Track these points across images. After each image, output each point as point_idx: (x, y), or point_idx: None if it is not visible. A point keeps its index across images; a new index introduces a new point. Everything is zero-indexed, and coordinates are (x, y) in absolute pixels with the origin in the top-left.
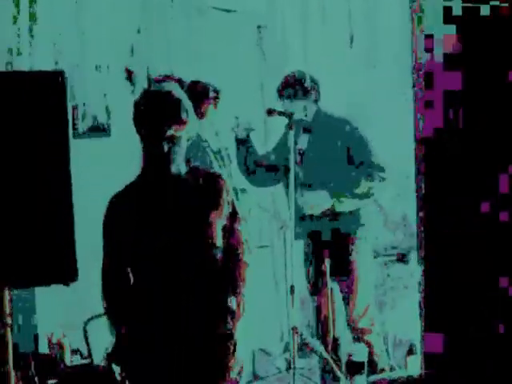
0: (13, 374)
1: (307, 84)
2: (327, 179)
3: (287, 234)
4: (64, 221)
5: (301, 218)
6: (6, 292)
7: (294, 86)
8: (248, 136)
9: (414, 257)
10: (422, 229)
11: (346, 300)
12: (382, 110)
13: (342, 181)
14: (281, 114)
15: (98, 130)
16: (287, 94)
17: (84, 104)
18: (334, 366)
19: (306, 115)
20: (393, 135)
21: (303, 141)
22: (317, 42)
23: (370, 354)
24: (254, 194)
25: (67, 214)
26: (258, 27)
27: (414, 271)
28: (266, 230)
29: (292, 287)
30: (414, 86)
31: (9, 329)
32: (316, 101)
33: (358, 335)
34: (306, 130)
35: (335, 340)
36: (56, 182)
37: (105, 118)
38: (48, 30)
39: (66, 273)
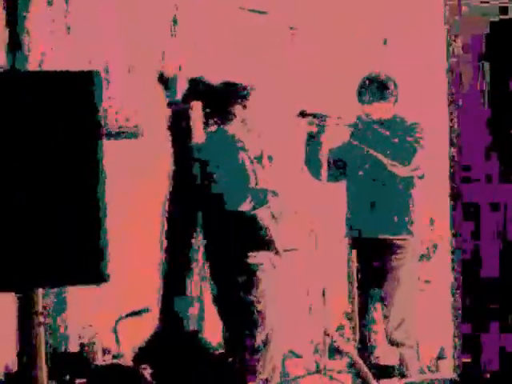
0: (45, 372)
1: (387, 87)
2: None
3: (318, 236)
4: (96, 221)
5: None
6: (40, 291)
7: (374, 89)
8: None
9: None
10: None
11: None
12: (416, 113)
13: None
14: (314, 116)
15: (130, 131)
16: (367, 96)
17: (115, 105)
18: (363, 368)
19: (382, 118)
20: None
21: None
22: (350, 43)
23: (401, 363)
24: (286, 197)
25: (99, 214)
26: (291, 28)
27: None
28: (296, 233)
29: (323, 290)
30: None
31: (42, 327)
32: (394, 102)
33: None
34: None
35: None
36: (87, 182)
37: (136, 119)
38: (82, 29)
39: (98, 273)
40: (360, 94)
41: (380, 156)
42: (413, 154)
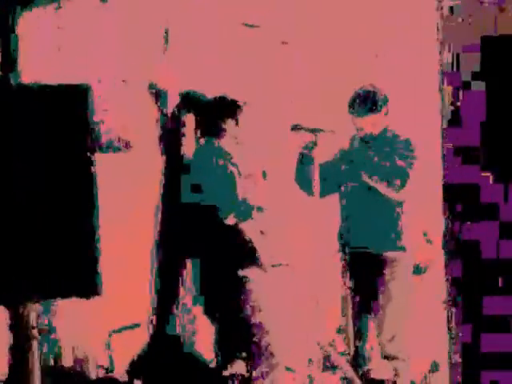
0: None
1: (378, 100)
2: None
3: (312, 250)
4: (87, 234)
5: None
6: (33, 305)
7: (365, 102)
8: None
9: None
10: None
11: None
12: (408, 126)
13: None
14: (307, 130)
15: (120, 144)
16: (357, 109)
17: (104, 120)
18: (356, 382)
19: (372, 131)
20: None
21: (359, 153)
22: (342, 56)
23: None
24: (278, 211)
25: (91, 227)
26: (282, 43)
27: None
28: (287, 248)
29: (317, 302)
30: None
31: (35, 341)
32: (385, 115)
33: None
34: (366, 142)
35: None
36: (80, 195)
37: (126, 132)
38: (72, 42)
39: (89, 287)
40: (351, 106)
41: (374, 183)
42: (406, 181)
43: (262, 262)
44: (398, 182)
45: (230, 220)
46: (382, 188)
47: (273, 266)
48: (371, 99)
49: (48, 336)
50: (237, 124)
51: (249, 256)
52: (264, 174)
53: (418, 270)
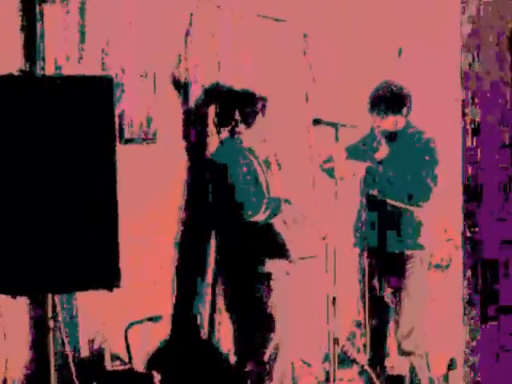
0: (54, 377)
1: (399, 100)
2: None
3: (330, 244)
4: (108, 227)
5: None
6: (50, 296)
7: (386, 100)
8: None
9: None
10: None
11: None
12: (430, 126)
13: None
14: (328, 124)
15: (144, 136)
16: (379, 107)
17: (129, 110)
18: (373, 378)
19: (394, 129)
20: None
21: (383, 150)
22: (365, 52)
23: (412, 374)
24: (299, 205)
25: (112, 220)
26: (304, 35)
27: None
28: (309, 241)
29: (334, 298)
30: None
31: (51, 333)
32: (407, 114)
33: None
34: (391, 139)
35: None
36: (102, 187)
37: (151, 124)
38: (96, 34)
39: (110, 278)
40: (371, 105)
41: (397, 203)
42: (429, 196)
43: (291, 255)
44: (420, 201)
45: (260, 216)
46: (403, 205)
47: (301, 258)
48: (392, 98)
49: (68, 326)
50: (263, 116)
51: (279, 251)
52: (279, 165)
53: (438, 267)
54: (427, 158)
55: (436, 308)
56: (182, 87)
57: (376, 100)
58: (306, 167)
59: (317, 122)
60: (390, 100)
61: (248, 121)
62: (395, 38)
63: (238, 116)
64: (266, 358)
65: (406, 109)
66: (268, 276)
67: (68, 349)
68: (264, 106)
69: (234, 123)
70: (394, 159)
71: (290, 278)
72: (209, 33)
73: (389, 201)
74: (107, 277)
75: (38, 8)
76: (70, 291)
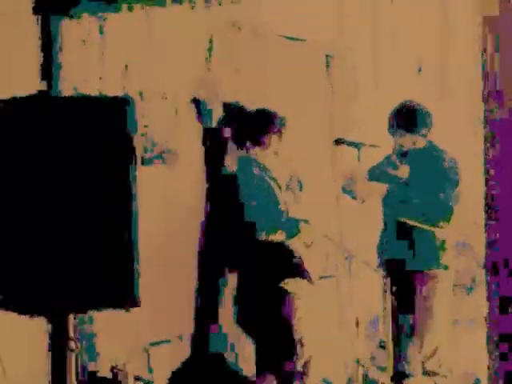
0: None
1: (418, 120)
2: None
3: (352, 264)
4: (125, 247)
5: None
6: (71, 317)
7: (405, 121)
8: None
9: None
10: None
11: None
12: (451, 140)
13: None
14: (350, 144)
15: (164, 156)
16: (397, 127)
17: (148, 131)
18: None
19: (413, 148)
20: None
21: (403, 169)
22: (386, 69)
23: None
24: (319, 224)
25: (129, 239)
26: (327, 56)
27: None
28: (331, 260)
29: (357, 319)
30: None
31: (74, 354)
32: (425, 134)
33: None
34: (406, 157)
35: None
36: (120, 207)
37: (171, 144)
38: (116, 55)
39: (127, 298)
40: (389, 125)
41: (417, 224)
42: (450, 217)
43: (309, 274)
44: (440, 221)
45: (278, 237)
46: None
47: (321, 277)
48: (412, 118)
49: (87, 346)
50: (280, 138)
51: (298, 271)
52: (300, 185)
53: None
54: (448, 177)
55: (461, 328)
56: (201, 107)
57: (393, 120)
58: (329, 187)
59: (339, 141)
60: (406, 120)
61: (263, 141)
62: (416, 54)
63: (254, 136)
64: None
65: (424, 129)
66: (288, 295)
67: (88, 368)
68: (282, 126)
69: (250, 143)
70: (415, 179)
71: (314, 298)
72: (229, 53)
73: (409, 221)
74: (125, 297)
75: (55, 26)
76: (88, 310)
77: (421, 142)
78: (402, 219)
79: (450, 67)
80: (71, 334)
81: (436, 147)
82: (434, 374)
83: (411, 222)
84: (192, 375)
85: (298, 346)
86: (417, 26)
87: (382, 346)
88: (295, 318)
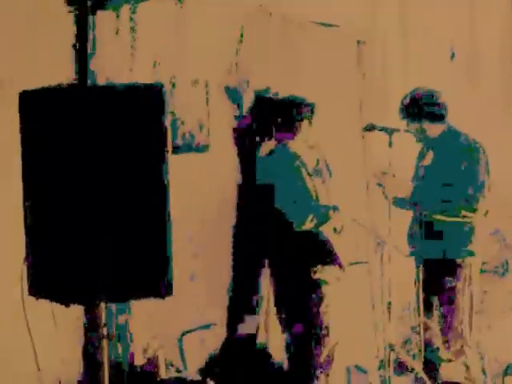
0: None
1: (433, 104)
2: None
3: (384, 249)
4: (160, 235)
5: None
6: (102, 305)
7: (417, 106)
8: None
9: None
10: None
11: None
12: (483, 129)
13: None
14: (382, 129)
15: (197, 145)
16: (410, 113)
17: (181, 119)
18: None
19: (425, 136)
20: (493, 157)
21: (429, 157)
22: (417, 56)
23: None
24: (350, 210)
25: (163, 228)
26: (358, 42)
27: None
28: (362, 246)
29: (389, 303)
30: None
31: (105, 340)
32: (439, 121)
33: (452, 359)
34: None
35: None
36: (153, 196)
37: (203, 133)
38: (147, 43)
39: (162, 287)
40: (402, 113)
41: (441, 217)
42: (474, 203)
43: (341, 261)
44: (463, 211)
45: (308, 224)
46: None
47: (351, 264)
48: (415, 106)
49: (121, 335)
50: (310, 124)
51: (328, 257)
52: (329, 172)
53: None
54: (466, 165)
55: (493, 313)
56: (233, 95)
57: (406, 105)
58: (359, 173)
59: (370, 127)
60: (413, 107)
61: (293, 127)
62: (448, 42)
63: (284, 122)
64: (322, 360)
65: (437, 115)
66: (320, 282)
67: (122, 356)
68: (312, 113)
69: (280, 130)
70: (434, 170)
71: (344, 284)
72: (260, 40)
73: (434, 215)
74: (159, 285)
75: (89, 18)
76: (122, 300)
77: (434, 129)
78: (426, 213)
79: (483, 54)
80: (103, 321)
81: (454, 132)
82: (463, 354)
83: (437, 217)
84: (226, 363)
85: (324, 332)
86: (449, 13)
87: (416, 332)
88: (323, 305)
